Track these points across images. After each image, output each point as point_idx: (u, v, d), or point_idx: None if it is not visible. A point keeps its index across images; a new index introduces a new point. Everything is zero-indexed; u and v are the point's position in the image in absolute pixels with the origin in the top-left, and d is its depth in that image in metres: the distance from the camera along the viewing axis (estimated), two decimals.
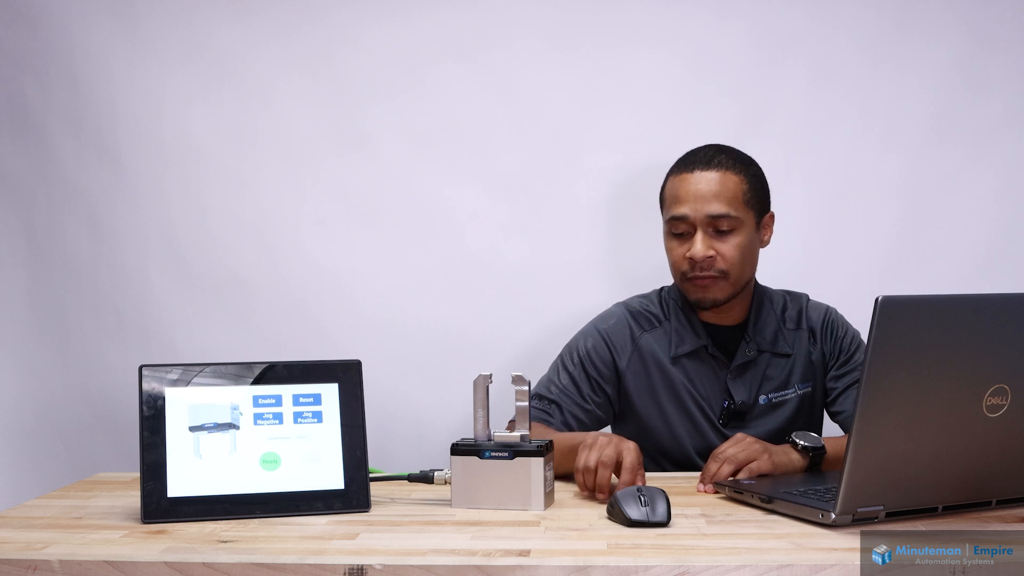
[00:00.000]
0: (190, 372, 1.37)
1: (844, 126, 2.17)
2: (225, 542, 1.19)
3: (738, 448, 1.49)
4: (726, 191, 1.69)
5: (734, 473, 1.47)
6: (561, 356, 1.80)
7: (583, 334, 1.80)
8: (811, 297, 1.85)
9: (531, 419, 1.68)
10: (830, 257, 2.17)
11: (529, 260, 2.19)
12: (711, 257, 1.68)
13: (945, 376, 1.18)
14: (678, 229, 1.72)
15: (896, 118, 2.16)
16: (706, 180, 1.69)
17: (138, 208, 2.22)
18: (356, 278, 2.21)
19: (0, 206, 2.25)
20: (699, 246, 1.68)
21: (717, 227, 1.68)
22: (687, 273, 1.71)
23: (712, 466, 1.48)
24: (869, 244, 2.17)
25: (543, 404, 1.74)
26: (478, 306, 2.20)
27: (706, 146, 1.76)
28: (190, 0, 2.19)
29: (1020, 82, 2.15)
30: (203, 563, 1.11)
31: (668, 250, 1.76)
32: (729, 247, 1.69)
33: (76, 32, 2.19)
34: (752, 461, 1.47)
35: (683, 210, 1.70)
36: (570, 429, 1.72)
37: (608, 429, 1.89)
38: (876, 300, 1.11)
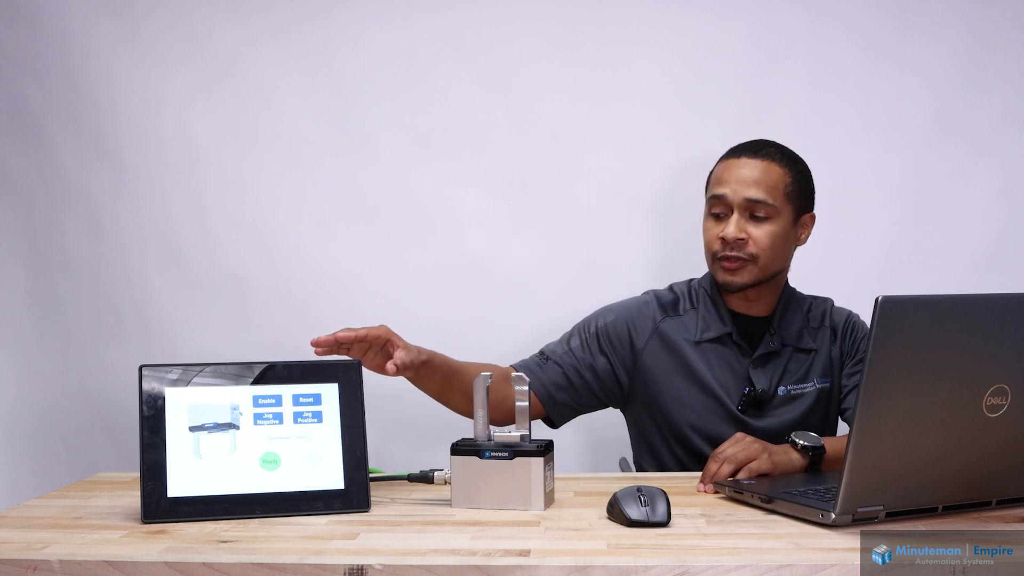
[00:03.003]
0: (190, 372, 1.37)
1: (844, 126, 2.17)
2: (225, 542, 1.19)
3: (737, 448, 1.50)
4: (767, 179, 1.72)
5: (734, 473, 1.47)
6: (578, 324, 1.84)
7: (606, 310, 1.84)
8: (834, 302, 1.87)
9: (517, 364, 1.77)
10: (830, 257, 2.17)
11: (529, 260, 2.20)
12: (742, 239, 1.70)
13: (945, 376, 1.18)
14: (716, 209, 1.75)
15: (896, 118, 2.16)
16: (750, 166, 1.73)
17: (138, 208, 2.22)
18: (356, 278, 2.21)
19: (0, 206, 2.25)
20: (732, 227, 1.71)
21: (753, 212, 1.71)
22: (718, 253, 1.73)
23: (712, 466, 1.49)
24: (869, 244, 2.17)
25: (539, 359, 1.79)
26: (478, 306, 2.20)
27: (758, 139, 1.80)
28: (190, 0, 2.19)
29: (1020, 82, 2.15)
30: (203, 563, 1.11)
31: (704, 230, 1.78)
32: (762, 233, 1.71)
33: (76, 32, 2.19)
34: (752, 461, 1.47)
35: (723, 190, 1.73)
36: (553, 390, 1.76)
37: (612, 421, 1.89)
38: (876, 300, 1.11)
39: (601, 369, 1.78)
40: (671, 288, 1.86)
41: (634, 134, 2.18)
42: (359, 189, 2.21)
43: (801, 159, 1.78)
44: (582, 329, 1.82)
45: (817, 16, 2.16)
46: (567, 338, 1.82)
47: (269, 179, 2.21)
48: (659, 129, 2.16)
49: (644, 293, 1.86)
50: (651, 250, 2.15)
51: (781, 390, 1.75)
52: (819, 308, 1.84)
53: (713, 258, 1.75)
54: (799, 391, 1.76)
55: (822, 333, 1.81)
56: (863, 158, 2.17)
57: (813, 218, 1.81)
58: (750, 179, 1.72)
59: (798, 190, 1.75)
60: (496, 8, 2.18)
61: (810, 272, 2.10)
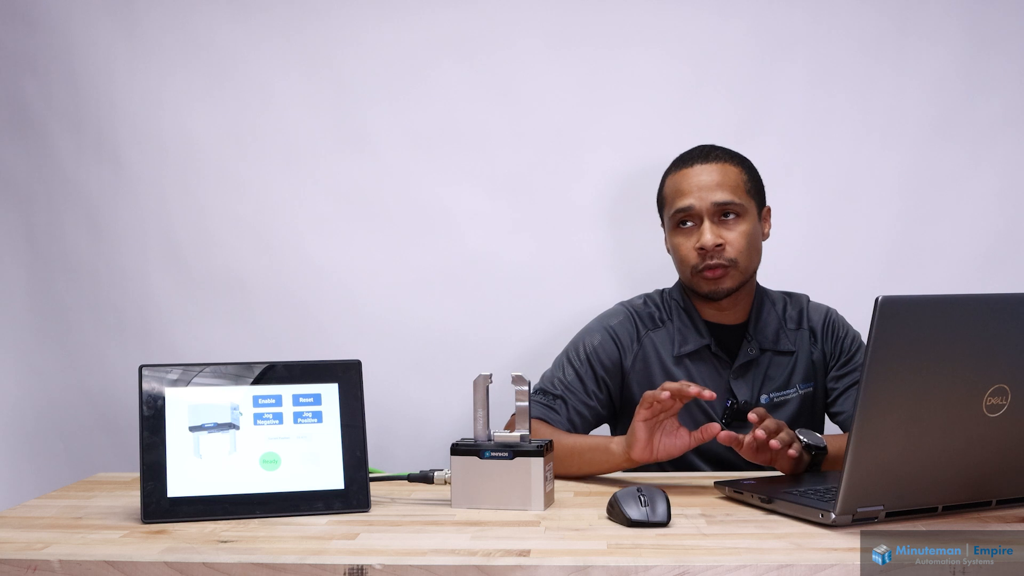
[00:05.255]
0: (190, 372, 1.37)
1: (844, 126, 2.17)
2: (225, 542, 1.19)
3: (786, 434, 1.47)
4: (728, 180, 1.71)
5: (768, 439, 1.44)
6: (566, 352, 1.79)
7: (589, 331, 1.80)
8: (811, 298, 1.85)
9: (534, 415, 1.68)
10: (830, 257, 2.17)
11: (529, 260, 2.19)
12: (720, 246, 1.69)
13: (945, 376, 1.18)
14: (684, 221, 1.72)
15: (896, 118, 2.16)
16: (707, 171, 1.71)
17: (138, 208, 2.22)
18: (356, 278, 2.21)
19: (0, 206, 2.25)
20: (708, 235, 1.69)
21: (723, 215, 1.70)
22: (698, 266, 1.71)
23: (771, 423, 1.45)
24: (869, 244, 2.17)
25: (547, 399, 1.73)
26: (478, 306, 2.20)
27: (699, 145, 1.79)
28: (190, 0, 2.19)
29: (1020, 82, 2.15)
30: (203, 563, 1.11)
31: (675, 247, 1.76)
32: (736, 235, 1.70)
33: (76, 32, 2.19)
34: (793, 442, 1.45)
35: (688, 201, 1.71)
36: (574, 426, 1.72)
37: (605, 428, 1.89)
38: (876, 300, 1.11)
39: (602, 390, 1.75)
40: (645, 300, 1.83)
41: (634, 134, 2.18)
42: (359, 189, 2.21)
43: (744, 156, 1.78)
44: (571, 356, 1.77)
45: (817, 16, 2.16)
46: (558, 370, 1.76)
47: (269, 179, 2.21)
48: (659, 129, 2.16)
49: (617, 305, 1.83)
50: (651, 250, 2.15)
51: (763, 399, 1.74)
52: (795, 307, 1.82)
53: (693, 271, 1.72)
54: (782, 398, 1.75)
55: (800, 335, 1.79)
56: (863, 158, 2.17)
57: (770, 210, 1.81)
58: (712, 183, 1.70)
59: (755, 185, 1.75)
60: (496, 8, 2.18)
61: (810, 272, 2.11)
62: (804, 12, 2.16)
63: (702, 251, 1.70)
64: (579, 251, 2.19)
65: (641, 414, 1.46)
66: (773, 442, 1.43)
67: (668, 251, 1.81)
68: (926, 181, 2.17)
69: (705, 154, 1.74)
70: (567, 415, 1.72)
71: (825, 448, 1.52)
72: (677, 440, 1.47)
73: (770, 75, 2.17)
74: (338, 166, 2.20)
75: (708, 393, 1.42)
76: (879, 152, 2.17)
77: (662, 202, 1.80)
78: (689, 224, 1.72)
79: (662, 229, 1.83)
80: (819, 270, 2.14)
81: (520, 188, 2.20)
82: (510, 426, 1.62)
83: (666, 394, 1.42)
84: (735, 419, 1.73)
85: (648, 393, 1.45)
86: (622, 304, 1.84)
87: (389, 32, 2.18)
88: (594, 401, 1.75)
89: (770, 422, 1.46)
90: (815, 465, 1.52)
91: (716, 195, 1.69)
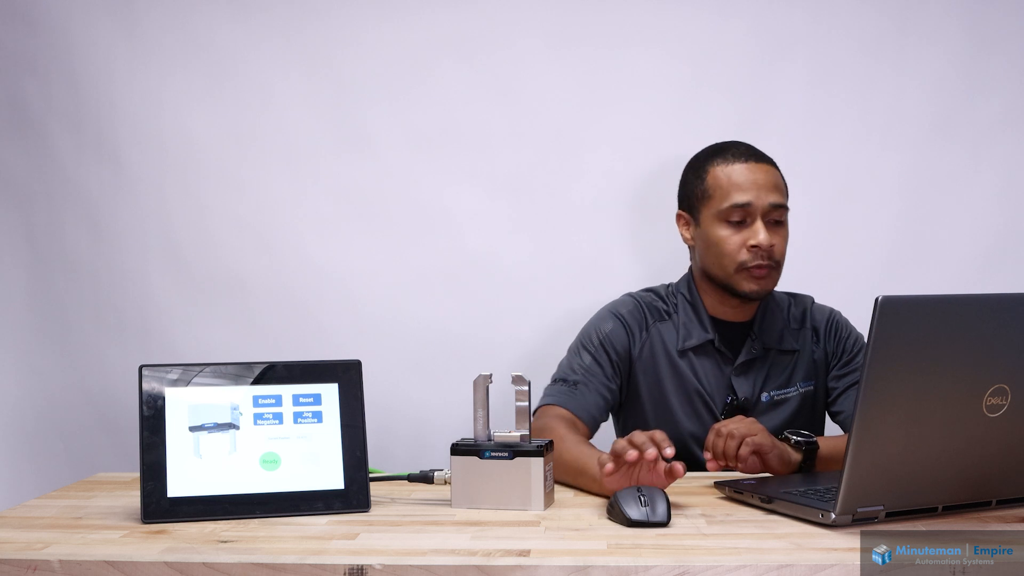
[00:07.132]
0: (190, 372, 1.37)
1: (844, 126, 2.17)
2: (225, 542, 1.19)
3: (740, 425, 1.50)
4: (779, 183, 1.74)
5: (737, 448, 1.48)
6: (579, 340, 1.79)
7: (600, 318, 1.80)
8: (814, 299, 1.86)
9: (551, 401, 1.68)
10: (830, 257, 2.17)
11: (529, 260, 2.19)
12: (772, 245, 1.69)
13: (945, 376, 1.18)
14: (736, 217, 1.70)
15: (896, 118, 2.16)
16: (763, 171, 1.72)
17: (138, 208, 2.22)
18: (356, 278, 2.21)
19: (0, 206, 2.25)
20: (763, 234, 1.69)
21: (773, 218, 1.71)
22: (747, 262, 1.70)
23: (719, 442, 1.49)
24: (869, 244, 2.17)
25: (567, 387, 1.71)
26: (478, 306, 2.20)
27: (737, 142, 1.78)
28: (190, 0, 2.19)
29: (1020, 82, 2.15)
30: (203, 563, 1.11)
31: (719, 240, 1.71)
32: (780, 238, 1.72)
33: (76, 32, 2.19)
34: (753, 436, 1.47)
35: (747, 197, 1.70)
36: (596, 409, 1.71)
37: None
38: (876, 300, 1.11)
39: (617, 375, 1.76)
40: (650, 293, 1.83)
41: (634, 134, 2.18)
42: (359, 189, 2.21)
43: None
44: (585, 343, 1.77)
45: (817, 16, 2.16)
46: (574, 358, 1.76)
47: (269, 179, 2.21)
48: (659, 129, 2.16)
49: (625, 296, 1.84)
50: (650, 250, 2.15)
51: (764, 396, 1.75)
52: (799, 307, 1.82)
53: (739, 267, 1.70)
54: (782, 396, 1.76)
55: (803, 334, 1.79)
56: (863, 158, 2.17)
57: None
58: (769, 184, 1.70)
59: (788, 189, 1.77)
60: (496, 8, 2.18)
61: (811, 272, 2.11)
62: (804, 12, 2.16)
63: (755, 249, 1.69)
64: (579, 251, 2.19)
65: (607, 468, 1.35)
66: (710, 464, 1.50)
67: (686, 240, 1.80)
68: (926, 181, 2.17)
69: (753, 153, 1.74)
70: (589, 402, 1.70)
71: (815, 443, 1.53)
72: (654, 478, 1.37)
73: (770, 75, 2.17)
74: (338, 166, 2.20)
75: (669, 451, 1.32)
76: (879, 152, 2.17)
77: (704, 192, 1.74)
78: (742, 220, 1.70)
79: (684, 217, 1.80)
80: (819, 270, 2.13)
81: (520, 188, 2.20)
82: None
83: (633, 454, 1.32)
84: (735, 415, 1.73)
85: (618, 444, 1.36)
86: (629, 295, 1.84)
87: (389, 32, 2.18)
88: (613, 385, 1.75)
89: (716, 442, 1.50)
90: (808, 462, 1.53)
91: (772, 196, 1.70)
